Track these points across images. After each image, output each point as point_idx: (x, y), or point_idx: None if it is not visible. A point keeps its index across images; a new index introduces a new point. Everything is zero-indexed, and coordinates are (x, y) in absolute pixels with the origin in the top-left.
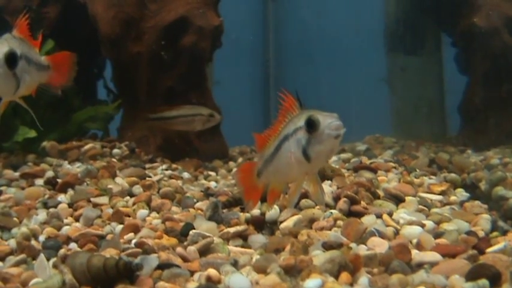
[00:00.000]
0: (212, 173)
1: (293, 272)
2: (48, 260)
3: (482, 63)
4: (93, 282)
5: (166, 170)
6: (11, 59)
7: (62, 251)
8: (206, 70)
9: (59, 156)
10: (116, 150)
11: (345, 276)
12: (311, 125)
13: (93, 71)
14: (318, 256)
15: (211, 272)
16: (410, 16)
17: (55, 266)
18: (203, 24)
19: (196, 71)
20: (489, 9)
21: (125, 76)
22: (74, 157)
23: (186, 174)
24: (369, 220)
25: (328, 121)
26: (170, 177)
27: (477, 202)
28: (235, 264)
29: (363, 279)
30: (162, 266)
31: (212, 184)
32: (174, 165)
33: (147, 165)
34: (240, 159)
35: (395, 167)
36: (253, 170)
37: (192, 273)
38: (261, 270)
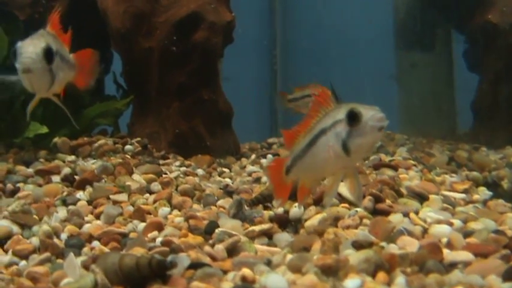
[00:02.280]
0: (226, 170)
1: (329, 271)
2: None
3: (496, 60)
4: (126, 282)
5: (180, 166)
6: (48, 54)
7: (85, 249)
8: (218, 66)
9: (71, 153)
10: (128, 147)
11: (381, 276)
12: (353, 118)
13: (101, 66)
14: (352, 255)
15: (246, 271)
16: (420, 12)
17: (84, 266)
18: (215, 19)
19: (209, 67)
20: (503, 6)
21: (135, 71)
22: (85, 153)
23: (200, 171)
24: (396, 218)
25: (371, 113)
26: (185, 173)
27: (500, 201)
28: (269, 263)
29: (400, 279)
30: (194, 265)
31: (227, 181)
32: (187, 162)
33: (161, 162)
34: (253, 156)
35: (415, 165)
36: (282, 167)
37: (224, 272)
38: (296, 269)
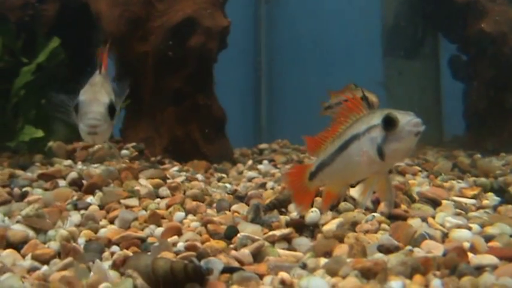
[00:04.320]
0: (223, 175)
1: (369, 274)
2: (93, 262)
3: (490, 68)
4: (161, 285)
5: (179, 171)
6: (112, 110)
7: (105, 254)
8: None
9: (66, 157)
10: (124, 151)
11: (418, 278)
12: (390, 123)
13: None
14: (384, 259)
15: (284, 275)
16: (407, 20)
17: (114, 268)
18: (211, 25)
19: (204, 72)
20: (496, 15)
21: (129, 76)
22: (81, 158)
23: (199, 176)
24: (415, 223)
25: (408, 118)
26: (187, 178)
27: (510, 206)
28: (304, 267)
29: (436, 282)
30: (229, 269)
31: (228, 186)
32: (185, 167)
33: (160, 167)
34: (249, 162)
35: (420, 171)
36: (303, 173)
37: (260, 276)
38: (333, 273)
